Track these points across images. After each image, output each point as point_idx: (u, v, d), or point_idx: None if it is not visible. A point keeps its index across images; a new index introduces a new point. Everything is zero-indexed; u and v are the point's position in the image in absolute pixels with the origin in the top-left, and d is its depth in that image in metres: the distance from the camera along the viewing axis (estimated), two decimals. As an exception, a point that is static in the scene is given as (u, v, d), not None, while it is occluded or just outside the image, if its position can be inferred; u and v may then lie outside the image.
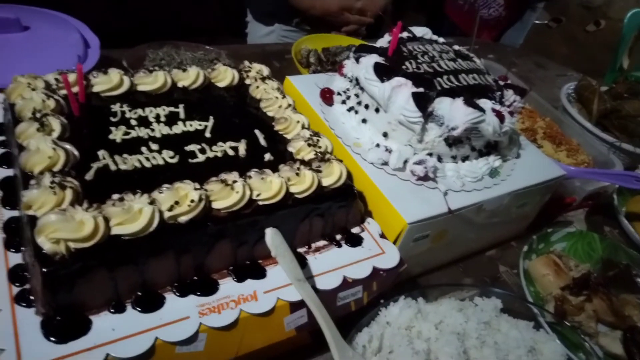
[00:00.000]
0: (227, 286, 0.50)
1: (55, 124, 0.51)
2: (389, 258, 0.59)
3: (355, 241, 0.60)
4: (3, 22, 0.73)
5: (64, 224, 0.42)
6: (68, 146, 0.50)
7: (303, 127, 0.62)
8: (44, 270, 0.41)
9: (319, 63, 1.12)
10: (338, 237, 0.60)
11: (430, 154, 0.68)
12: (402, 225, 0.61)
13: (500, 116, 0.68)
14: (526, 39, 2.34)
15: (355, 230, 0.61)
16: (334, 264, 0.56)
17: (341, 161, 0.58)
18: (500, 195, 0.70)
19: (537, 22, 4.50)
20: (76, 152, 0.50)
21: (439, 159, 0.69)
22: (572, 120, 1.05)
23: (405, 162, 0.67)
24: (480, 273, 0.79)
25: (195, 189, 0.48)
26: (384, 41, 0.77)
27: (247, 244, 0.52)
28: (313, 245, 0.58)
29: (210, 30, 2.38)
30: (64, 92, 0.57)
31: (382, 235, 0.61)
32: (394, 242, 0.61)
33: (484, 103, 0.68)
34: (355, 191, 0.59)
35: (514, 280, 0.79)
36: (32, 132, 0.50)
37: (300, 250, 0.57)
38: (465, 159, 0.70)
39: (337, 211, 0.58)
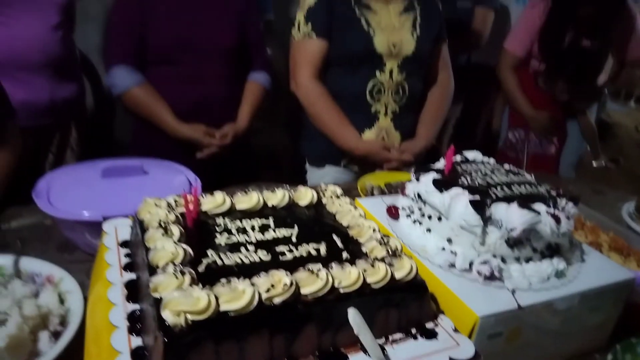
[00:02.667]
0: (314, 368, 0.55)
1: (175, 230, 0.64)
2: (464, 350, 0.61)
3: (430, 334, 0.63)
4: (131, 169, 0.93)
5: (184, 299, 0.51)
6: (185, 246, 0.61)
7: (374, 231, 0.71)
8: (166, 340, 0.49)
9: (382, 195, 1.24)
10: (413, 330, 0.63)
11: (494, 256, 0.73)
12: (474, 319, 0.64)
13: (555, 218, 0.74)
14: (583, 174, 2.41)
15: (429, 325, 0.65)
16: (411, 354, 0.59)
17: (411, 257, 0.65)
18: (570, 295, 0.72)
19: (595, 164, 4.57)
20: (191, 251, 0.61)
21: (503, 260, 0.73)
22: (637, 235, 1.06)
23: (471, 264, 0.73)
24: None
25: (287, 275, 0.56)
26: (439, 164, 0.88)
27: (331, 329, 0.58)
28: (390, 337, 0.62)
29: (280, 180, 2.67)
30: (180, 210, 0.71)
31: (456, 330, 0.65)
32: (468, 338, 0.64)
33: (539, 206, 0.75)
34: (426, 285, 0.65)
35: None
36: (157, 236, 0.63)
37: (379, 342, 0.61)
38: (528, 260, 0.74)
39: (410, 303, 0.63)
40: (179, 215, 0.69)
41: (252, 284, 0.55)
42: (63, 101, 1.50)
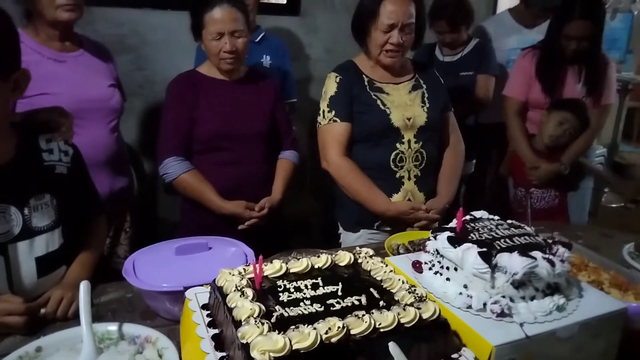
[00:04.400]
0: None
1: (249, 292, 0.83)
2: (485, 374, 0.77)
3: (456, 363, 0.79)
4: (199, 246, 1.15)
5: (266, 342, 0.69)
6: (258, 304, 0.80)
7: (403, 283, 0.88)
8: (256, 373, 0.67)
9: (407, 252, 1.42)
10: (441, 361, 0.80)
11: (503, 296, 0.89)
12: (489, 348, 0.80)
13: (550, 262, 0.90)
14: (597, 222, 2.52)
15: (454, 355, 0.81)
16: (441, 379, 0.75)
17: (435, 302, 0.82)
18: (570, 325, 0.87)
19: (613, 205, 4.63)
20: (263, 307, 0.80)
21: (511, 300, 0.89)
22: (637, 271, 1.20)
23: (485, 304, 0.89)
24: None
25: (339, 320, 0.74)
26: (452, 224, 1.07)
27: (376, 362, 0.74)
28: (423, 367, 0.78)
29: (310, 242, 2.87)
30: (249, 276, 0.90)
31: (476, 359, 0.80)
32: (487, 365, 0.80)
33: (536, 254, 0.92)
34: (449, 323, 0.81)
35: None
36: (237, 297, 0.82)
37: (414, 371, 0.77)
38: (532, 298, 0.90)
39: (437, 338, 0.80)
40: (249, 280, 0.88)
41: (314, 329, 0.72)
42: (119, 191, 1.76)
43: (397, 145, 1.72)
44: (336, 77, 1.75)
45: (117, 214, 1.81)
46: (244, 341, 0.72)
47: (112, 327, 0.95)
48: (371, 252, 1.02)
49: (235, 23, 1.68)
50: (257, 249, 1.24)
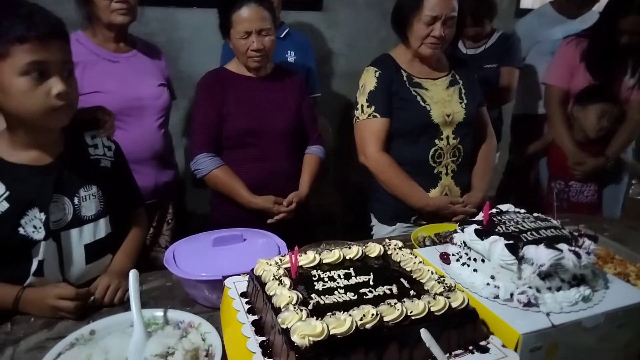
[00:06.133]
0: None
1: (286, 281, 0.88)
2: (512, 360, 0.80)
3: (484, 350, 0.83)
4: (235, 237, 1.21)
5: (306, 327, 0.74)
6: (296, 291, 0.85)
7: (432, 273, 0.92)
8: (297, 355, 0.72)
9: (433, 244, 1.45)
10: (470, 347, 0.83)
11: (529, 287, 0.93)
12: (517, 336, 0.83)
13: (576, 254, 0.93)
14: (624, 214, 2.50)
15: (482, 343, 0.84)
16: (470, 364, 0.79)
17: (463, 291, 0.86)
18: (595, 315, 0.89)
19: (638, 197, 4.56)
20: (300, 295, 0.85)
21: (538, 291, 0.93)
22: (663, 263, 1.21)
23: (512, 295, 0.92)
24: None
25: (373, 308, 0.79)
26: (479, 216, 1.10)
27: (408, 347, 0.79)
28: (452, 353, 0.82)
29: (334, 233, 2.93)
30: (285, 265, 0.95)
31: (504, 346, 0.84)
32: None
33: (562, 246, 0.94)
34: (477, 312, 0.85)
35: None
36: (275, 286, 0.87)
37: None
38: (559, 289, 0.93)
39: (466, 326, 0.83)
40: (285, 270, 0.93)
41: (350, 315, 0.77)
42: (164, 184, 1.84)
43: (436, 141, 1.74)
44: (375, 71, 1.76)
45: (161, 206, 1.89)
46: (284, 326, 0.77)
47: (158, 312, 1.01)
48: (400, 244, 1.06)
49: (262, 22, 1.72)
50: (285, 241, 1.29)
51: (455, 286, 0.89)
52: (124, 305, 1.15)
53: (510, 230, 1.00)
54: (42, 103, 1.06)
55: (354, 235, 2.03)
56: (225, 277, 1.04)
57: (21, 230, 1.11)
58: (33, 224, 1.12)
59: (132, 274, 0.99)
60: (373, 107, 1.74)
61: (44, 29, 1.03)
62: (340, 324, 0.76)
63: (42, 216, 1.12)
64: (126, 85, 1.71)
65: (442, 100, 1.74)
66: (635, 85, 2.19)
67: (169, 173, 1.88)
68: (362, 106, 1.77)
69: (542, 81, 2.42)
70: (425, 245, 1.43)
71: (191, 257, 1.18)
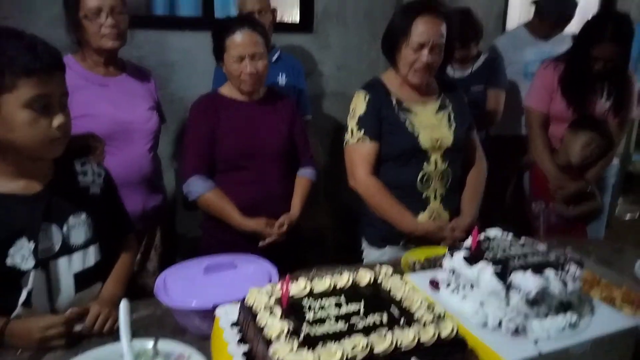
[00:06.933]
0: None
1: (277, 310, 0.89)
2: (501, 389, 0.81)
3: (474, 379, 0.84)
4: (226, 264, 1.21)
5: (297, 358, 0.74)
6: (287, 322, 0.85)
7: (422, 301, 0.93)
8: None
9: (423, 269, 1.46)
10: (460, 376, 0.84)
11: (518, 314, 0.94)
12: (505, 365, 0.84)
13: (562, 280, 0.95)
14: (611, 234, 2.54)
15: (472, 371, 0.85)
16: (460, 394, 0.80)
17: (452, 319, 0.87)
18: (582, 342, 0.91)
19: (627, 216, 4.63)
20: (291, 325, 0.85)
21: (526, 317, 0.94)
22: (649, 287, 1.23)
23: (500, 322, 0.93)
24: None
25: (363, 338, 0.79)
26: (467, 242, 1.11)
27: (399, 377, 0.79)
28: (443, 383, 0.83)
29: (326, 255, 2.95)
30: (276, 295, 0.95)
31: (493, 374, 0.85)
32: (504, 380, 0.84)
33: (549, 272, 0.96)
34: (466, 341, 0.86)
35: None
36: (266, 316, 0.87)
37: (435, 386, 0.82)
38: (546, 315, 0.94)
39: (455, 356, 0.84)
40: (276, 299, 0.94)
41: (341, 346, 0.78)
42: (152, 209, 1.83)
43: (424, 165, 1.76)
44: (365, 95, 1.78)
45: (149, 231, 1.88)
46: (276, 357, 0.77)
47: (148, 343, 1.01)
48: (390, 270, 1.07)
49: (255, 47, 1.75)
50: (275, 263, 1.30)
51: (444, 314, 0.90)
52: (114, 334, 1.14)
53: (498, 257, 1.02)
54: (42, 134, 1.07)
55: (345, 257, 2.04)
56: (216, 307, 1.04)
57: (9, 260, 1.10)
58: (21, 253, 1.11)
59: (123, 305, 0.99)
60: (363, 131, 1.76)
61: (48, 61, 1.05)
62: (331, 355, 0.76)
63: (31, 245, 1.12)
64: (116, 109, 1.72)
65: (431, 124, 1.77)
66: (610, 109, 2.25)
67: (157, 197, 1.88)
68: (352, 130, 1.79)
69: (523, 104, 2.47)
70: (415, 270, 1.44)
71: (182, 284, 1.17)
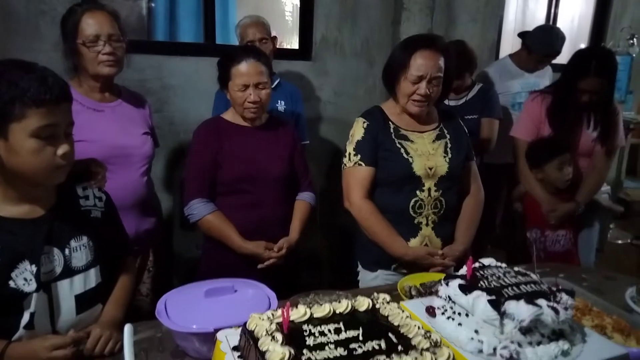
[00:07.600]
0: None
1: (278, 336, 0.91)
2: (496, 416, 0.83)
3: (469, 405, 0.86)
4: (226, 289, 1.23)
5: (299, 384, 0.77)
6: (288, 348, 0.88)
7: (419, 328, 0.96)
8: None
9: (419, 294, 1.49)
10: (456, 403, 0.86)
11: (512, 342, 0.97)
12: (500, 392, 0.87)
13: (555, 310, 0.98)
14: (603, 258, 2.59)
15: (467, 398, 0.88)
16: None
17: (448, 347, 0.90)
18: (574, 370, 0.94)
19: (619, 241, 4.68)
20: (292, 351, 0.87)
21: (519, 345, 0.97)
22: (639, 315, 1.27)
23: (495, 349, 0.96)
24: None
25: (363, 365, 0.82)
26: (463, 271, 1.15)
27: (397, 403, 0.82)
28: (440, 409, 0.85)
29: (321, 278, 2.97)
30: (277, 320, 0.98)
31: (488, 401, 0.87)
32: (498, 406, 0.86)
33: (541, 302, 0.99)
34: (461, 367, 0.88)
35: None
36: (268, 341, 0.90)
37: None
38: (539, 343, 0.97)
39: (452, 383, 0.87)
40: (277, 325, 0.96)
41: (341, 372, 0.80)
42: (144, 232, 1.85)
43: (417, 192, 1.80)
44: (364, 122, 1.84)
45: (142, 253, 1.90)
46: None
47: (149, 367, 1.02)
48: (387, 297, 1.09)
49: (259, 76, 1.81)
50: (273, 285, 1.33)
51: (441, 341, 0.93)
52: (115, 356, 1.16)
53: (493, 286, 1.05)
54: (48, 162, 1.10)
55: (341, 279, 2.06)
56: (217, 330, 1.06)
57: (12, 284, 1.12)
58: (24, 277, 1.13)
59: (127, 330, 1.01)
60: (359, 156, 1.81)
61: (57, 93, 1.08)
62: (332, 381, 0.78)
63: (33, 268, 1.14)
64: (111, 134, 1.74)
65: (426, 153, 1.82)
66: (597, 138, 2.32)
67: (150, 220, 1.90)
68: (349, 154, 1.85)
69: (510, 134, 2.54)
70: (411, 295, 1.47)
71: (182, 308, 1.19)
